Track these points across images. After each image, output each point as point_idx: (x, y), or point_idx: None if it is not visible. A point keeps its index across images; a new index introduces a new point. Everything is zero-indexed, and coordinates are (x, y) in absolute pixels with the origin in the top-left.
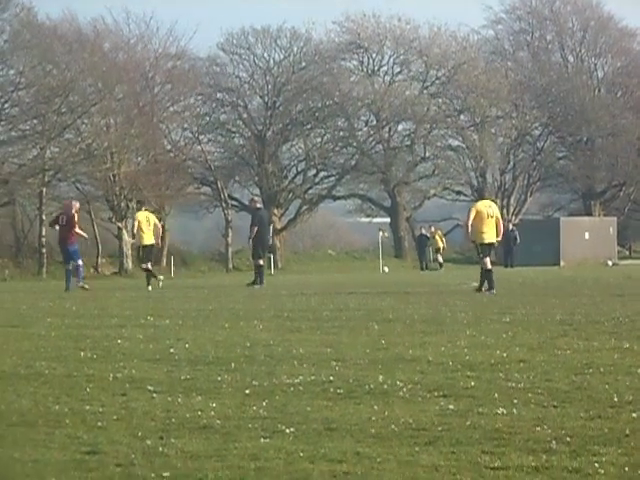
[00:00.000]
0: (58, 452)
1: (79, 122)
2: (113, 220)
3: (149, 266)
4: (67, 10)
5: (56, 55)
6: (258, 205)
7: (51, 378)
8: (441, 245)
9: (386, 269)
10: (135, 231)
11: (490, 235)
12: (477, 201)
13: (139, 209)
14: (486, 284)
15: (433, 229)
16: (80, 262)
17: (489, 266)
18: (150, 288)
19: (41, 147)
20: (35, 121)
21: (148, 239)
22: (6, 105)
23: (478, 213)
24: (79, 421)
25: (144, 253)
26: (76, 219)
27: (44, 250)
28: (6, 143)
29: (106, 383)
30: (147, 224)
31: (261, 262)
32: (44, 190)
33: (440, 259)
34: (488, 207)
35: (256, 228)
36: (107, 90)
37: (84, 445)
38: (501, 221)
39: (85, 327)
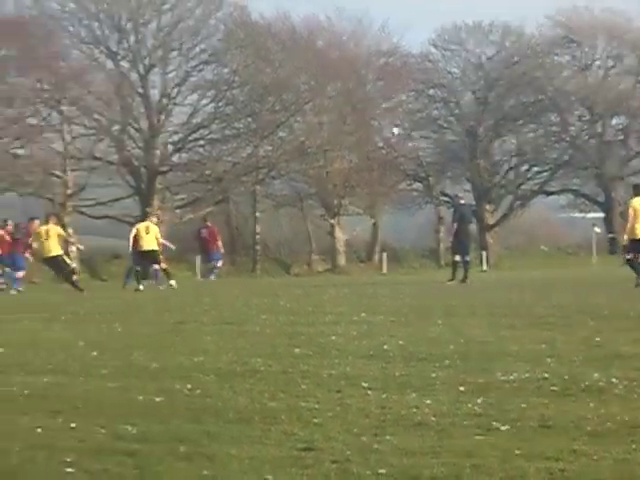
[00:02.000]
0: (274, 449)
1: (292, 120)
2: (325, 217)
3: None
4: (280, 8)
5: (270, 53)
6: (461, 201)
7: (266, 375)
8: None
9: (595, 263)
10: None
11: None
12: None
13: (142, 220)
14: None
15: None
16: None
17: None
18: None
19: (255, 145)
20: (249, 119)
21: (147, 244)
22: (220, 103)
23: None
24: (295, 418)
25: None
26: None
27: (258, 247)
28: (220, 141)
29: (321, 380)
30: (145, 232)
31: (457, 258)
32: (257, 188)
33: None
34: None
35: (456, 224)
36: (320, 88)
37: (300, 442)
38: None
39: (299, 324)
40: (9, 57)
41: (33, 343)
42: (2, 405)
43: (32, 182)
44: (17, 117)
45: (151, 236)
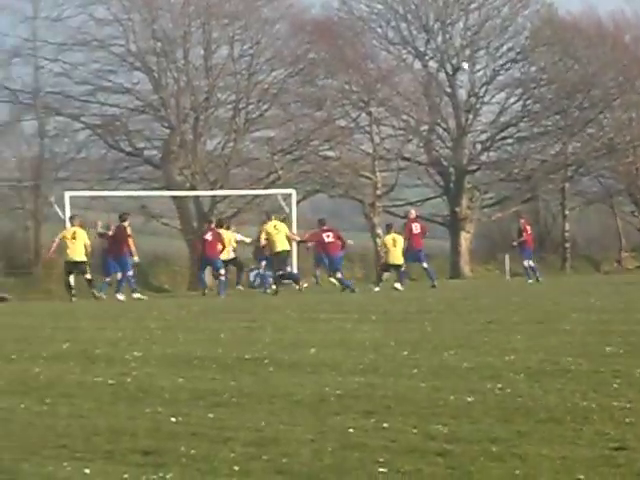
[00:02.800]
0: (586, 449)
1: (601, 117)
2: (636, 214)
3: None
4: (586, 3)
5: (577, 50)
6: None
7: (577, 374)
8: None
9: None
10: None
11: None
12: None
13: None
14: None
15: None
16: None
17: None
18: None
19: (563, 142)
20: (557, 117)
21: (281, 245)
22: (528, 102)
23: None
24: (607, 417)
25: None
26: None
27: (567, 245)
28: (529, 139)
29: (633, 379)
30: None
31: None
32: (566, 185)
33: None
34: None
35: None
36: (628, 83)
37: (612, 441)
38: None
39: (611, 322)
40: (318, 59)
41: (344, 343)
42: (315, 405)
43: (342, 184)
44: (326, 119)
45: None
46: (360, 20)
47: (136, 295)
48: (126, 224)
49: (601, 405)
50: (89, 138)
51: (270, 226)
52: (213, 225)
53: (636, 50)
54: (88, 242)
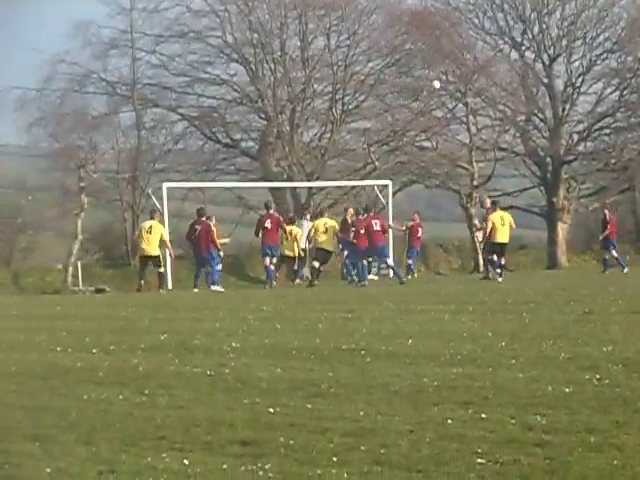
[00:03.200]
0: None
1: None
2: None
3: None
4: None
5: None
6: None
7: None
8: None
9: None
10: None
11: None
12: None
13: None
14: None
15: None
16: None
17: None
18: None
19: None
20: None
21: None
22: (625, 92)
23: None
24: None
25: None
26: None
27: None
28: (626, 129)
29: None
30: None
31: None
32: None
33: None
34: None
35: None
36: None
37: None
38: None
39: None
40: (414, 50)
41: (441, 334)
42: (413, 396)
43: (438, 174)
44: (423, 110)
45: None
46: (456, 10)
47: (215, 287)
48: (212, 222)
49: None
50: (186, 130)
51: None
52: (272, 211)
53: None
54: (166, 237)
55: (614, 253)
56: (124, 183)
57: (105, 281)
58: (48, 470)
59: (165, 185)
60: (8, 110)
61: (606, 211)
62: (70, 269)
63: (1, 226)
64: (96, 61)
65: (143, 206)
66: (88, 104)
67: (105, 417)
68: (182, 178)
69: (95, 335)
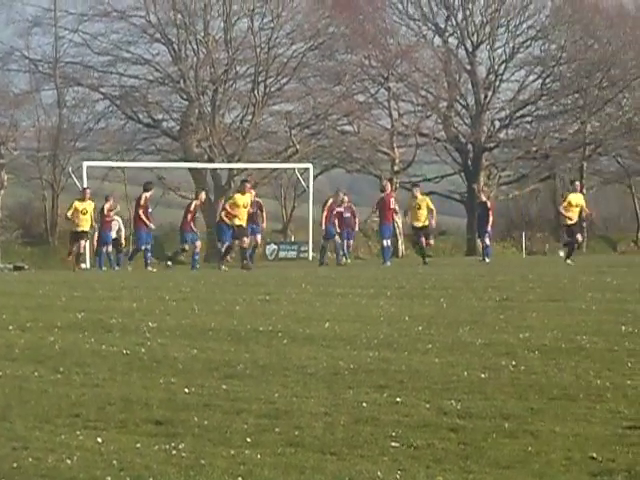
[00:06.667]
0: (599, 426)
1: (620, 96)
2: None
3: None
4: None
5: (597, 29)
6: None
7: (592, 352)
8: None
9: None
10: None
11: None
12: None
13: None
14: None
15: None
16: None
17: None
18: None
19: (582, 121)
20: (576, 95)
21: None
22: (548, 80)
23: None
24: (620, 396)
25: None
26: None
27: (584, 224)
28: (547, 118)
29: None
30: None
31: None
32: (584, 164)
33: None
34: None
35: None
36: None
37: (625, 420)
38: None
39: (626, 301)
40: (338, 34)
41: (358, 318)
42: (328, 379)
43: (359, 159)
44: (345, 94)
45: None
46: None
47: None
48: (147, 194)
49: (615, 384)
50: (108, 109)
51: None
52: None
53: None
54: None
55: (487, 241)
56: (44, 161)
57: (24, 259)
58: None
59: (85, 164)
60: None
61: (485, 198)
62: None
63: None
64: (19, 39)
65: (63, 185)
66: (10, 81)
67: (20, 394)
68: (103, 157)
69: (12, 312)
